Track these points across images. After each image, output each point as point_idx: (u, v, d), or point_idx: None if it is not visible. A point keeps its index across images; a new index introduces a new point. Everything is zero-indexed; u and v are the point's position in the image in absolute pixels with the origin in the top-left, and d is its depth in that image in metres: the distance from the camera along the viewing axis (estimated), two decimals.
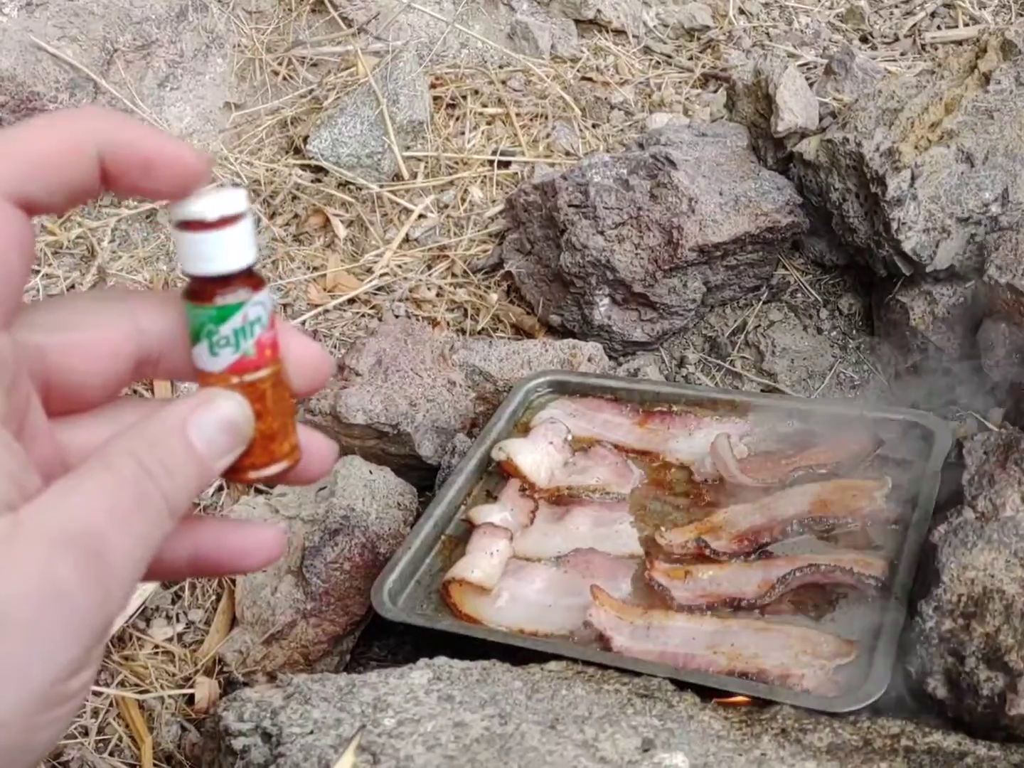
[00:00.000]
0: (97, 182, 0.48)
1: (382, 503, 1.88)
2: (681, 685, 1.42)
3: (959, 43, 2.62)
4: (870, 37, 2.71)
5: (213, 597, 1.89)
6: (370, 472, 1.92)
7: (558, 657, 1.49)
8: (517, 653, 1.52)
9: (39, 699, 0.42)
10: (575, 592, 1.62)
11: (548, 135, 2.65)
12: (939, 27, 2.69)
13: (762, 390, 2.19)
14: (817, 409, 1.85)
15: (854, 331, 2.23)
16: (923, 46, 2.62)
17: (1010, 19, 2.62)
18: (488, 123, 2.71)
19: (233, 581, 1.88)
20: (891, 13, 2.78)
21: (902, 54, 2.61)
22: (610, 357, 2.18)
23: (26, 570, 0.41)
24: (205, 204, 0.50)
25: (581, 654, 1.49)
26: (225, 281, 0.51)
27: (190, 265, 0.51)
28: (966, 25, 2.65)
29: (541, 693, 1.37)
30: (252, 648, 1.76)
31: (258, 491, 2.06)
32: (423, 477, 2.01)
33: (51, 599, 0.41)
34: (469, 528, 1.75)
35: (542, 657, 1.49)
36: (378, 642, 1.86)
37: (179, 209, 0.51)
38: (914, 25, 2.68)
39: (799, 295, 2.28)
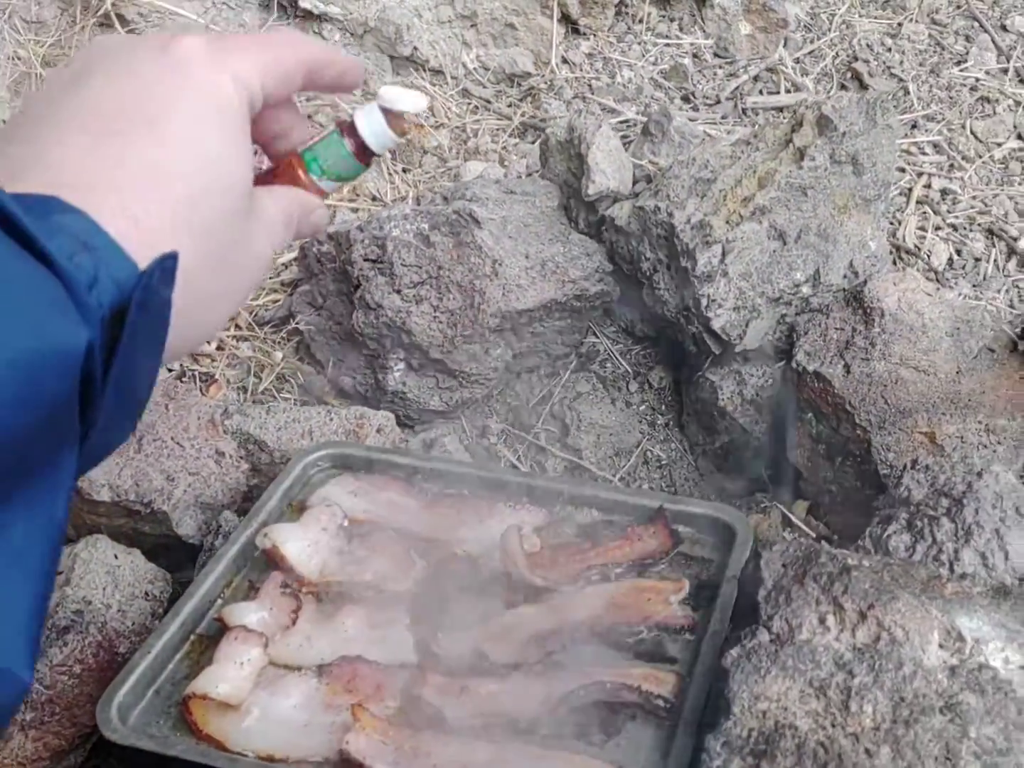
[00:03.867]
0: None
1: (126, 593, 1.64)
2: None
3: (780, 110, 2.57)
4: (692, 97, 2.64)
5: None
6: (115, 556, 1.68)
7: None
8: None
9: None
10: (336, 709, 1.43)
11: None
12: (761, 92, 2.64)
13: (565, 467, 2.05)
14: (617, 499, 1.71)
15: (663, 407, 2.12)
16: (744, 110, 2.56)
17: (831, 88, 2.59)
18: None
19: None
20: (715, 73, 2.72)
21: (723, 117, 2.54)
22: (406, 426, 2.00)
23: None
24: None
25: None
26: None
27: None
28: (788, 92, 2.61)
29: None
30: None
31: None
32: (186, 558, 1.78)
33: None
34: (222, 627, 1.53)
35: None
36: (115, 756, 1.61)
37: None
38: (736, 88, 2.62)
39: (609, 365, 2.16)
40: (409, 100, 0.82)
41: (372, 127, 0.81)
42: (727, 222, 1.83)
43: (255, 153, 0.76)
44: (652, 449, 2.07)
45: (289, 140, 0.82)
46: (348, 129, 0.82)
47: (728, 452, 1.98)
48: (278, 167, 0.83)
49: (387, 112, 0.81)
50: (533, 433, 2.10)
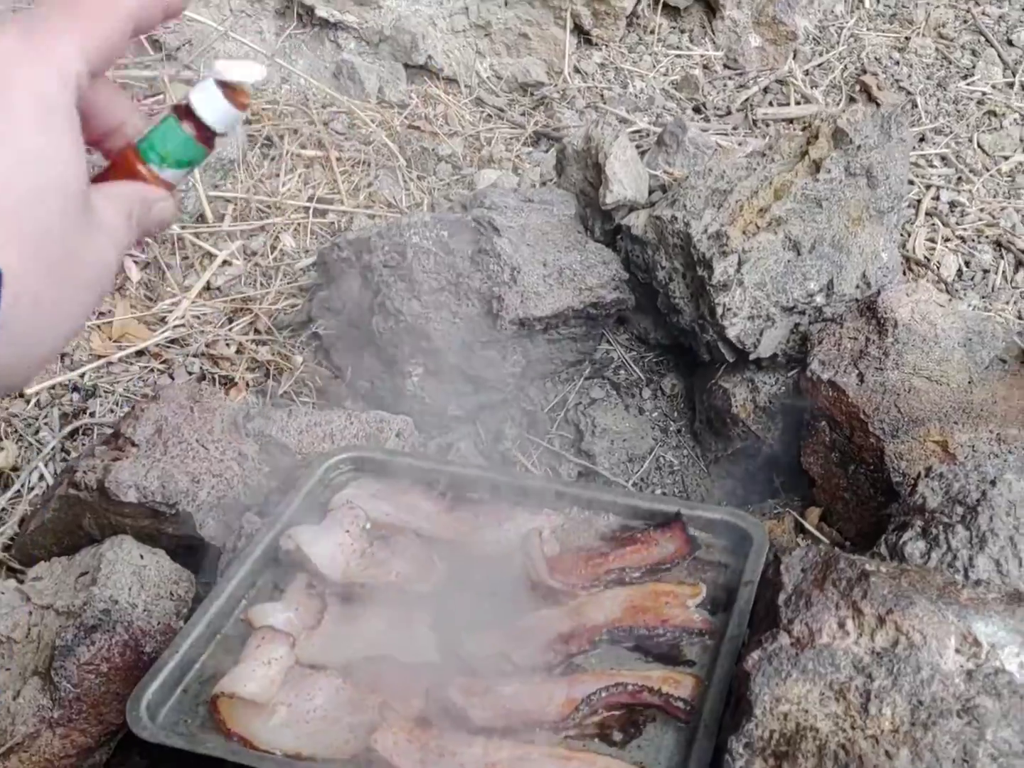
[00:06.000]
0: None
1: (152, 593, 1.67)
2: None
3: (790, 121, 2.61)
4: (703, 108, 2.67)
5: None
6: (141, 557, 1.70)
7: None
8: None
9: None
10: (362, 708, 1.45)
11: (370, 184, 2.50)
12: (771, 103, 2.67)
13: (579, 473, 2.08)
14: (635, 504, 1.73)
15: (676, 413, 2.15)
16: (755, 121, 2.59)
17: (840, 100, 2.63)
18: (306, 166, 2.53)
19: None
20: (725, 85, 2.75)
21: (734, 128, 2.58)
22: (421, 431, 2.02)
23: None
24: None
25: None
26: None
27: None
28: (797, 103, 2.64)
29: None
30: None
31: (10, 571, 1.82)
32: (208, 559, 1.80)
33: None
34: (249, 628, 1.55)
35: None
36: (140, 753, 1.64)
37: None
38: (747, 99, 2.65)
39: (622, 372, 2.19)
40: (244, 70, 0.76)
41: (210, 104, 0.76)
42: (743, 232, 1.86)
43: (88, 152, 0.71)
44: (665, 455, 2.10)
45: (123, 134, 0.76)
46: (184, 111, 0.76)
47: (740, 458, 2.01)
48: (114, 163, 0.77)
49: (224, 86, 0.76)
50: (547, 438, 2.13)
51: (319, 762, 1.39)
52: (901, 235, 2.21)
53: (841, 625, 1.31)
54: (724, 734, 1.34)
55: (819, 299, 1.91)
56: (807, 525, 1.78)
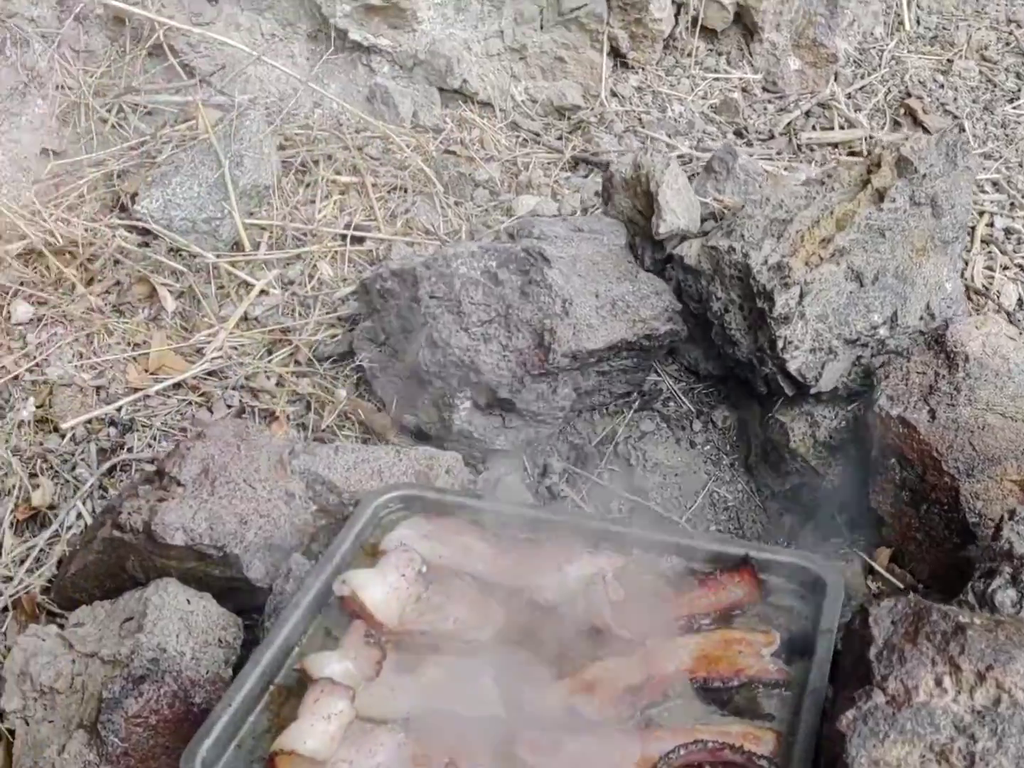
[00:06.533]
0: None
1: (200, 640, 1.61)
2: None
3: (835, 145, 2.56)
4: (745, 132, 2.62)
5: None
6: (188, 601, 1.64)
7: None
8: None
9: None
10: (427, 766, 1.38)
11: (407, 210, 2.44)
12: (814, 127, 2.62)
13: (631, 508, 2.02)
14: (699, 546, 1.67)
15: (728, 447, 2.09)
16: (799, 146, 2.54)
17: (884, 124, 2.58)
18: (341, 192, 2.48)
19: (12, 733, 1.56)
20: (765, 108, 2.70)
21: (778, 153, 2.53)
22: (469, 465, 1.96)
23: None
24: None
25: None
26: None
27: None
28: (842, 127, 2.59)
29: None
30: None
31: (50, 616, 1.76)
32: (250, 599, 1.74)
33: None
34: (303, 678, 1.49)
35: None
36: None
37: None
38: (789, 123, 2.61)
39: (671, 404, 2.13)
40: None
41: None
42: (806, 264, 1.81)
43: None
44: (718, 491, 2.04)
45: None
46: None
47: (799, 495, 1.95)
48: None
49: None
50: (596, 472, 2.07)
51: None
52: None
53: (939, 682, 1.25)
54: None
55: (883, 331, 1.85)
56: (877, 567, 1.72)
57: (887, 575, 1.71)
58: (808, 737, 1.36)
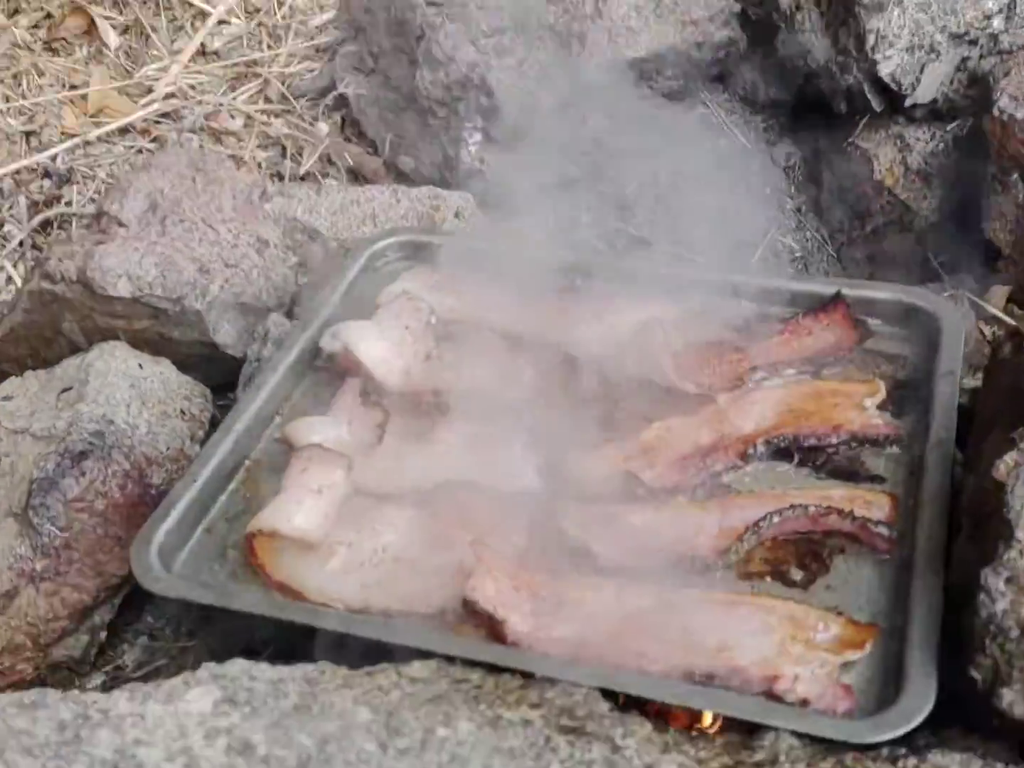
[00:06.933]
0: None
1: (157, 412, 1.31)
2: (619, 698, 0.91)
3: None
4: None
5: None
6: (140, 367, 1.32)
7: (426, 655, 0.95)
8: (360, 647, 0.98)
9: None
10: (447, 547, 1.08)
11: None
12: None
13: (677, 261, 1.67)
14: (776, 286, 1.34)
15: (793, 188, 1.74)
16: None
17: None
18: None
19: None
20: None
21: None
22: (484, 211, 1.61)
23: None
24: None
25: (463, 650, 0.96)
26: None
27: None
28: None
29: (404, 734, 0.83)
30: None
31: None
32: (222, 373, 1.42)
33: None
34: (287, 451, 1.18)
35: (401, 654, 0.95)
36: (150, 609, 1.28)
37: None
38: None
39: (723, 141, 1.76)
40: None
41: None
42: None
43: None
44: (783, 239, 1.70)
45: None
46: None
47: (883, 237, 1.61)
48: None
49: None
50: (633, 223, 1.72)
51: (395, 617, 1.03)
52: None
53: None
54: (959, 567, 0.98)
55: (997, 23, 1.48)
56: (991, 309, 1.39)
57: (1005, 318, 1.38)
58: (937, 497, 1.05)
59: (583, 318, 1.36)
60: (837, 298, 1.30)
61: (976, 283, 1.48)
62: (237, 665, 0.94)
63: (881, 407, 1.21)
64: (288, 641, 1.09)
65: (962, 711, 0.92)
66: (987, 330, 1.39)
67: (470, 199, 1.56)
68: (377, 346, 1.27)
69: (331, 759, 0.81)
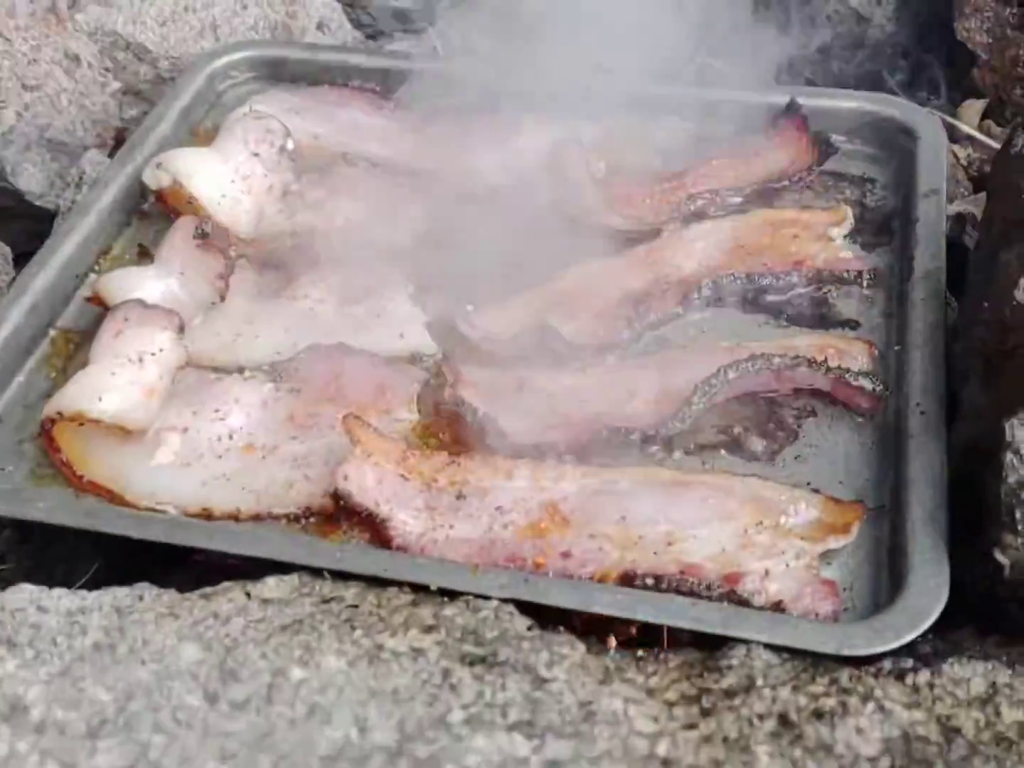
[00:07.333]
0: None
1: None
2: (539, 613, 0.69)
3: None
4: None
5: None
6: None
7: (284, 568, 0.71)
8: (196, 559, 0.73)
9: None
10: (311, 430, 0.83)
11: None
12: None
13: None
14: (714, 98, 1.09)
15: None
16: None
17: None
18: None
19: None
20: None
21: None
22: (358, 28, 1.32)
23: None
24: None
25: (331, 559, 0.72)
26: None
27: None
28: None
29: (242, 680, 0.59)
30: None
31: None
32: (28, 230, 1.12)
33: None
34: (101, 313, 0.90)
35: (250, 568, 0.71)
36: None
37: None
38: None
39: None
40: None
41: None
42: None
43: None
44: (712, 62, 1.43)
45: None
46: None
47: (829, 55, 1.37)
48: None
49: None
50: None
51: (245, 522, 0.78)
52: None
53: None
54: (969, 423, 0.76)
55: None
56: (965, 127, 1.17)
57: (981, 136, 1.16)
58: (930, 343, 0.84)
59: (484, 144, 1.09)
60: (791, 109, 1.06)
61: (946, 99, 1.26)
62: (23, 593, 0.69)
63: (849, 238, 0.98)
64: (128, 563, 0.83)
65: (969, 608, 0.73)
66: (961, 153, 1.17)
67: (337, 8, 1.27)
68: (217, 178, 0.99)
69: (134, 722, 0.56)
